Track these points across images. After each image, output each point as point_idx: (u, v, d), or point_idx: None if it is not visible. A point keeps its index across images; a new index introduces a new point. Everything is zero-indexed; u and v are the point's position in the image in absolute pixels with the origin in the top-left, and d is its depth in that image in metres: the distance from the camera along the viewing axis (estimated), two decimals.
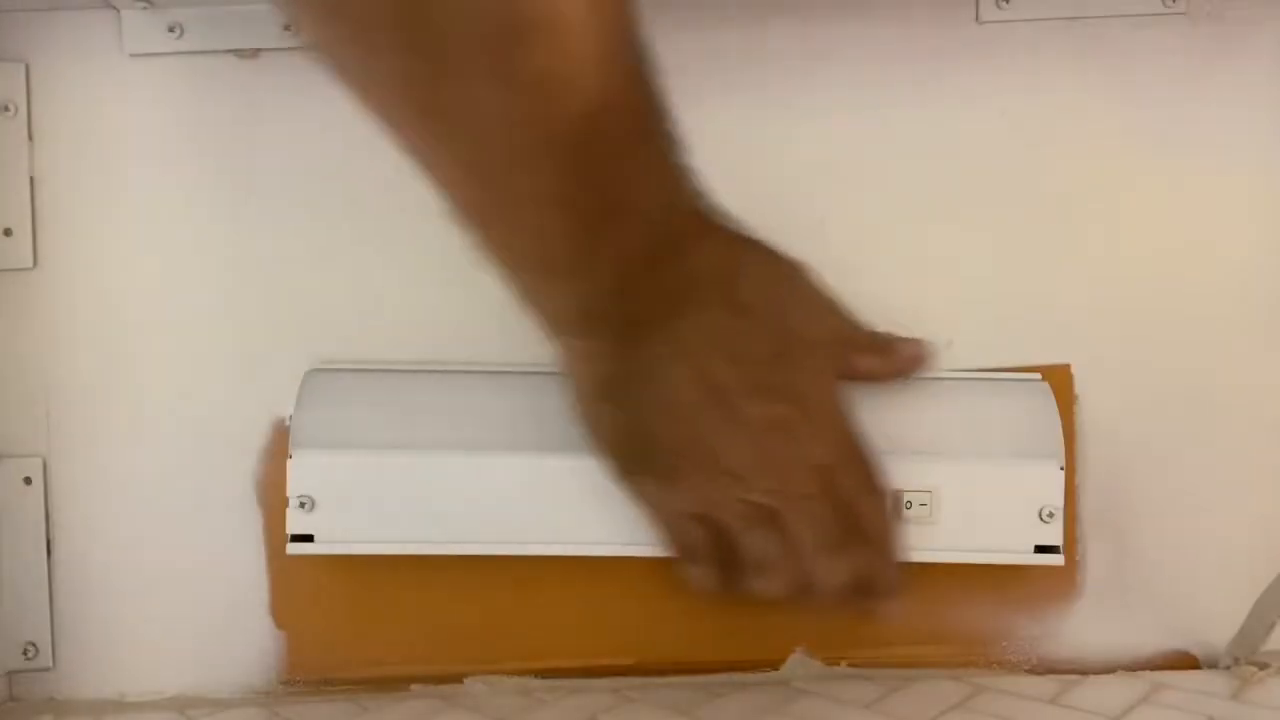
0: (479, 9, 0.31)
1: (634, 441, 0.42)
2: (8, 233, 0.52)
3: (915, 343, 0.45)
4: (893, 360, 0.45)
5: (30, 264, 0.52)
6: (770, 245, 0.42)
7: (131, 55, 0.52)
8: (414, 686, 0.51)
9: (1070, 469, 0.49)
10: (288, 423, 0.49)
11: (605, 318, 0.40)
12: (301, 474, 0.47)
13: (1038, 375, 0.50)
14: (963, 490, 0.46)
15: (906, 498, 0.46)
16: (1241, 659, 0.50)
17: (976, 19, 0.52)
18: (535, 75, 0.33)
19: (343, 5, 0.32)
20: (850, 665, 0.52)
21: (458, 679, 0.51)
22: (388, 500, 0.47)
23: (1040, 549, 0.47)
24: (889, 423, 0.47)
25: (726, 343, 0.41)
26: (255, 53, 0.52)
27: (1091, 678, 0.50)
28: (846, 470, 0.42)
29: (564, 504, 0.47)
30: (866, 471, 0.43)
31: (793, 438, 0.41)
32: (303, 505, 0.47)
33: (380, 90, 0.35)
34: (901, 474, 0.45)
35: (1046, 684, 0.49)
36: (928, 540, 0.46)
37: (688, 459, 0.41)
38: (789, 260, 0.43)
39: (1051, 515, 0.47)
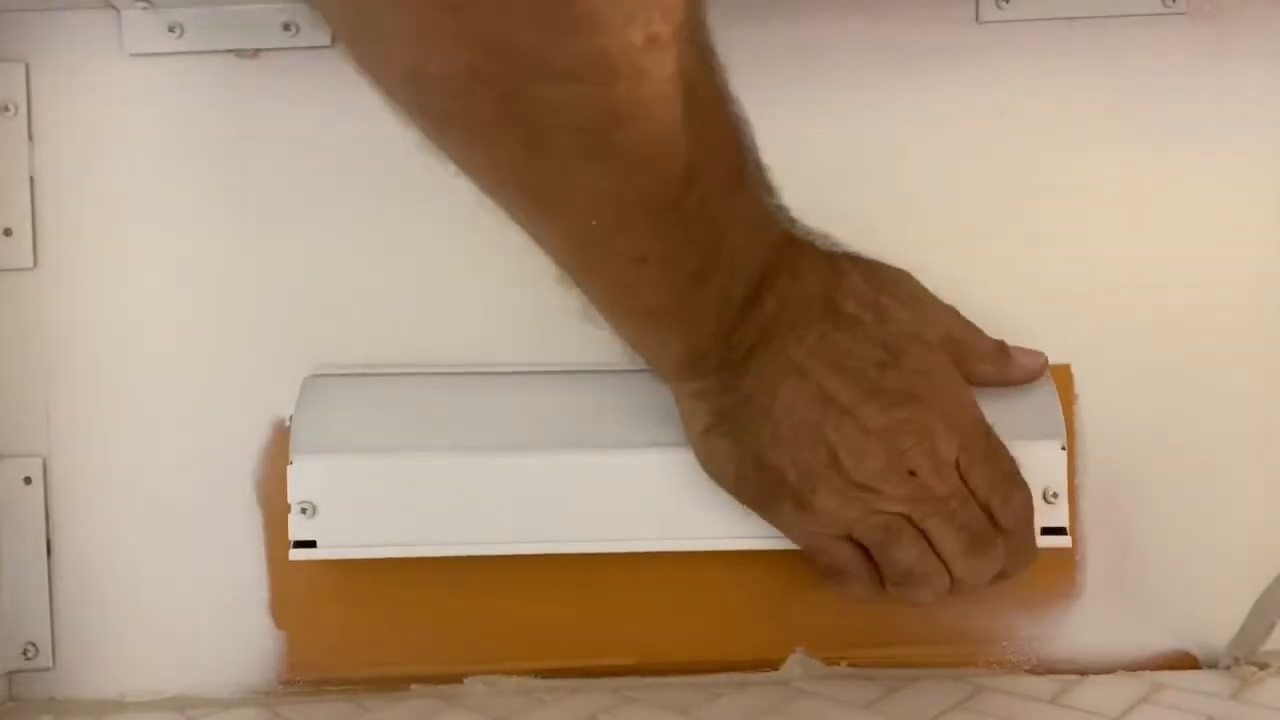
0: (576, 102, 0.32)
1: (759, 474, 0.43)
2: (8, 233, 0.52)
3: (1035, 354, 0.46)
4: (1011, 371, 0.46)
5: (30, 264, 0.52)
6: (868, 256, 0.43)
7: (131, 55, 0.52)
8: (414, 686, 0.51)
9: (1070, 468, 0.49)
10: (288, 423, 0.49)
11: (710, 360, 0.41)
12: (302, 480, 0.47)
13: None
14: None
15: None
16: (1241, 659, 0.50)
17: (976, 19, 0.52)
18: (630, 153, 0.34)
19: (451, 114, 0.33)
20: (850, 665, 0.52)
21: (458, 679, 0.51)
22: (390, 503, 0.47)
23: (1046, 531, 0.46)
24: None
25: (834, 356, 0.41)
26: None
27: (1091, 678, 0.50)
28: (978, 466, 0.42)
29: (564, 503, 0.47)
30: (998, 464, 0.43)
31: (918, 440, 0.41)
32: (304, 511, 0.47)
33: (488, 174, 0.37)
34: None
35: (1046, 684, 0.49)
36: None
37: (816, 480, 0.42)
38: (890, 268, 0.44)
39: (1055, 496, 0.46)
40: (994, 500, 0.43)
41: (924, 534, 0.42)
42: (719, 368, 0.42)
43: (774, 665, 0.52)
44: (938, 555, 0.42)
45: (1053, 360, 0.50)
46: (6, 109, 0.52)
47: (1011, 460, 0.43)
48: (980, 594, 0.49)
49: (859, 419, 0.41)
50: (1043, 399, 0.47)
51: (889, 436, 0.41)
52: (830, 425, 0.41)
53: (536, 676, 0.51)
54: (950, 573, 0.43)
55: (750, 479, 0.43)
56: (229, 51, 0.52)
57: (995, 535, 0.43)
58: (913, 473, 0.41)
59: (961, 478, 0.42)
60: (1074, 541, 0.51)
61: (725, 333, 0.41)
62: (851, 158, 0.52)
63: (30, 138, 0.52)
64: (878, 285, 0.43)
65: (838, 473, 0.41)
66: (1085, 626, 0.51)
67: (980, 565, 0.43)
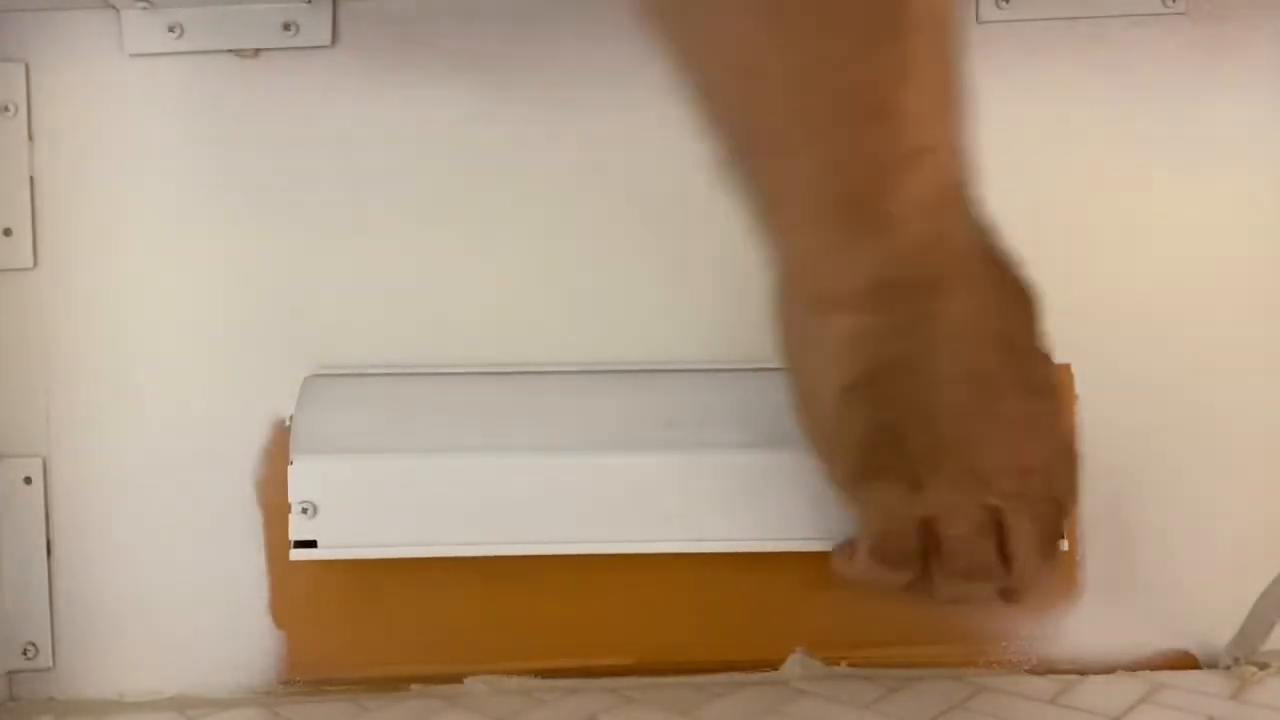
0: None
1: (887, 442, 0.39)
2: (8, 233, 0.52)
3: None
4: None
5: (30, 264, 0.52)
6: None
7: (131, 55, 0.52)
8: (414, 686, 0.51)
9: None
10: (288, 423, 0.49)
11: (896, 285, 0.37)
12: (303, 480, 0.47)
13: None
14: None
15: None
16: (1241, 659, 0.50)
17: (976, 19, 0.52)
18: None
19: None
20: (850, 665, 0.52)
21: (458, 679, 0.51)
22: (390, 503, 0.47)
23: None
24: None
25: (999, 328, 0.39)
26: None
27: (1091, 678, 0.50)
28: (1064, 473, 0.42)
29: (564, 504, 0.47)
30: (1074, 475, 0.43)
31: (1045, 437, 0.40)
32: (305, 511, 0.47)
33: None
34: None
35: (1046, 684, 0.49)
36: None
37: (942, 462, 0.39)
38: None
39: None
40: (1067, 504, 0.43)
41: (1005, 529, 0.41)
42: (898, 306, 0.37)
43: (774, 665, 0.52)
44: (1009, 554, 0.41)
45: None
46: (6, 109, 0.52)
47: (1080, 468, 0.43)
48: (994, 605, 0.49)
49: (1001, 405, 0.39)
50: None
51: (1023, 431, 0.40)
52: (976, 408, 0.39)
53: (536, 676, 0.51)
54: (1011, 573, 0.42)
55: (874, 448, 0.40)
56: (229, 51, 0.52)
57: (1058, 540, 0.43)
58: (1028, 471, 0.40)
59: (1049, 479, 0.41)
60: (1074, 542, 0.51)
61: (930, 243, 0.37)
62: None
63: (30, 138, 0.52)
64: (1015, 265, 0.40)
65: (966, 458, 0.39)
66: (1085, 626, 0.51)
67: (1044, 568, 0.42)
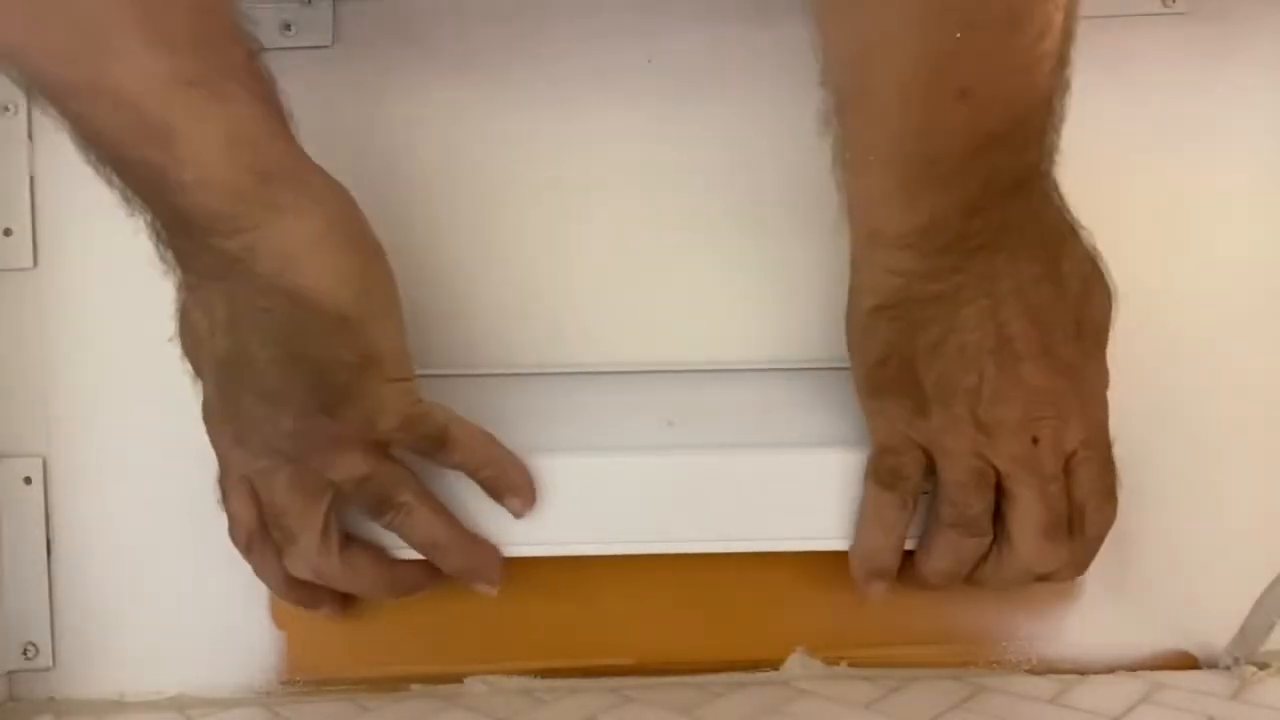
0: None
1: (902, 370, 0.43)
2: (8, 233, 0.52)
3: None
4: None
5: (30, 264, 0.52)
6: (1090, 243, 0.43)
7: None
8: (414, 686, 0.51)
9: None
10: None
11: (944, 235, 0.40)
12: None
13: None
14: None
15: None
16: (1241, 659, 0.50)
17: None
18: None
19: None
20: (850, 665, 0.51)
21: (458, 679, 0.51)
22: None
23: None
24: None
25: (1033, 301, 0.41)
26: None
27: (1091, 678, 0.50)
28: (1090, 466, 0.43)
29: (564, 503, 0.47)
30: (1105, 475, 0.44)
31: (1057, 413, 0.42)
32: None
33: None
34: None
35: (1046, 684, 0.49)
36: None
37: (949, 398, 0.42)
38: (1101, 261, 0.44)
39: None
40: (1089, 504, 0.44)
41: (1009, 499, 0.43)
42: (944, 250, 0.41)
43: (774, 665, 0.52)
44: (1008, 529, 0.43)
45: None
46: (6, 109, 0.52)
47: (1115, 480, 0.44)
48: (983, 594, 0.49)
49: (1020, 369, 0.42)
50: None
51: (1037, 398, 0.42)
52: (993, 360, 0.41)
53: (536, 676, 0.51)
54: (1011, 548, 0.43)
55: (890, 368, 0.43)
56: None
57: (1069, 535, 0.44)
58: (1035, 440, 0.42)
59: (1072, 470, 0.43)
60: None
61: (978, 209, 0.40)
62: None
63: (30, 138, 0.52)
64: (1093, 268, 0.43)
65: (972, 403, 0.42)
66: (1085, 626, 0.51)
67: (1045, 552, 0.43)
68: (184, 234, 0.41)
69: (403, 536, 0.45)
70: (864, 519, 0.46)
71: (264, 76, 0.42)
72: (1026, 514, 0.43)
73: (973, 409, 0.42)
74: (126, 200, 0.41)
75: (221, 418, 0.44)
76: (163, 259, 0.43)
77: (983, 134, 0.38)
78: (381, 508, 0.44)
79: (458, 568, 0.46)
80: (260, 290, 0.41)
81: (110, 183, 0.41)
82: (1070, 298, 0.43)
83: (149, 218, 0.42)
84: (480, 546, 0.46)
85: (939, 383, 0.42)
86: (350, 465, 0.43)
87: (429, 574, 0.47)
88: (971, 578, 0.46)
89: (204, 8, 0.39)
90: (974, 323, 0.41)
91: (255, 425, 0.43)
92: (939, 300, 0.41)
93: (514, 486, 0.46)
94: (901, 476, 0.44)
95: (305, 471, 0.43)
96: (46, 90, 0.39)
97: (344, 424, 0.43)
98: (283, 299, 0.41)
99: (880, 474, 0.45)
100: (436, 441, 0.44)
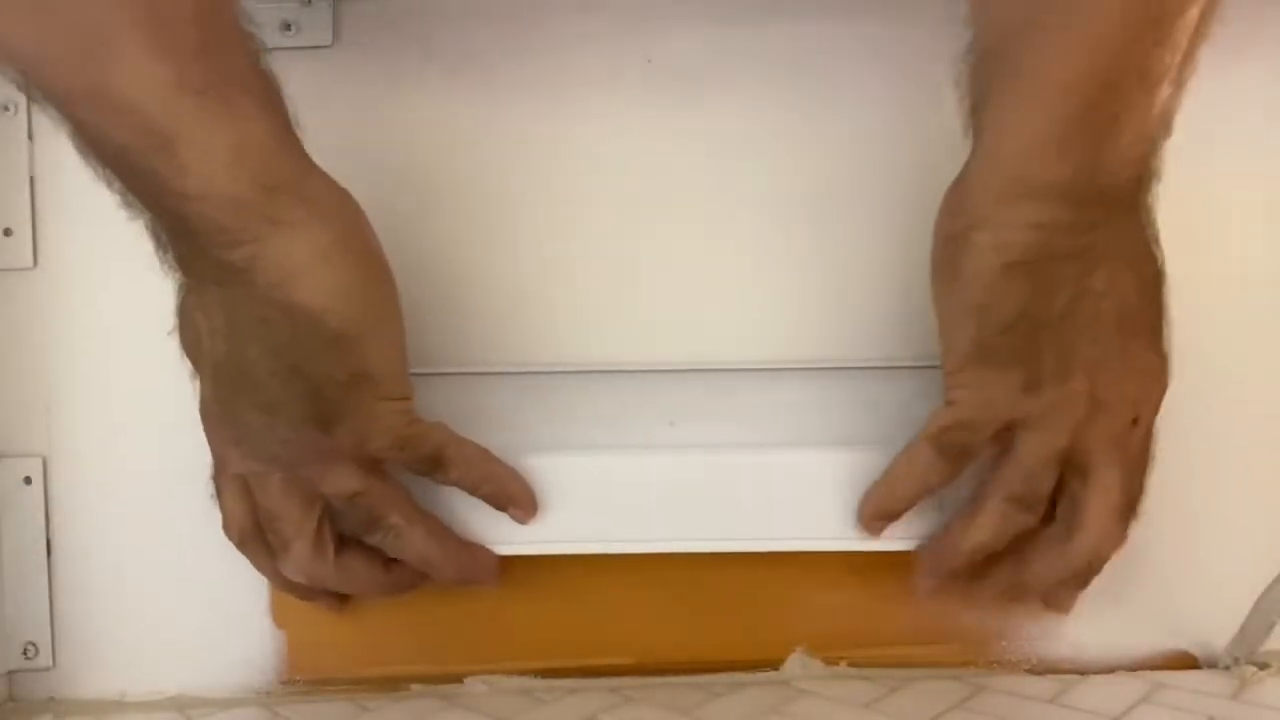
0: None
1: (1030, 330, 0.41)
2: (8, 233, 0.52)
3: None
4: None
5: (30, 264, 0.52)
6: None
7: None
8: (414, 686, 0.51)
9: None
10: None
11: (1089, 188, 0.40)
12: None
13: None
14: (964, 478, 0.45)
15: None
16: (1241, 659, 0.50)
17: None
18: None
19: None
20: (850, 665, 0.51)
21: (458, 679, 0.51)
22: None
23: None
24: (892, 411, 0.47)
25: (1144, 274, 0.42)
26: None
27: (1091, 678, 0.50)
28: (1141, 460, 0.44)
29: (564, 503, 0.47)
30: (1145, 469, 0.44)
31: (1156, 400, 0.43)
32: None
33: None
34: None
35: (1046, 684, 0.49)
36: (932, 529, 0.46)
37: (1067, 369, 0.41)
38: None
39: None
40: (1135, 499, 0.44)
41: (1087, 477, 0.42)
42: (1084, 203, 0.40)
43: (774, 665, 0.52)
44: (1082, 508, 0.43)
45: None
46: (6, 109, 0.52)
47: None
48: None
49: (1132, 345, 0.42)
50: None
51: (1145, 378, 0.42)
52: (1116, 332, 0.41)
53: (536, 676, 0.51)
54: (1082, 529, 0.43)
55: (1017, 334, 0.41)
56: None
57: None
58: (1135, 421, 0.42)
59: (1134, 448, 0.43)
60: None
61: (1120, 165, 0.40)
62: (853, 157, 0.52)
63: (30, 137, 0.52)
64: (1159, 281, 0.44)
65: (1091, 377, 0.41)
66: (1085, 626, 0.51)
67: (1115, 535, 0.43)
68: (185, 240, 0.41)
69: (393, 554, 0.46)
70: (902, 464, 0.44)
71: (270, 83, 0.41)
72: (1108, 494, 0.42)
73: (1091, 384, 0.41)
74: (127, 204, 0.41)
75: (218, 419, 0.44)
76: (163, 262, 0.43)
77: (1155, 77, 0.38)
78: (370, 527, 0.44)
79: (452, 580, 0.46)
80: (259, 301, 0.41)
81: (111, 186, 0.41)
82: (1162, 280, 0.43)
83: (149, 221, 0.42)
84: (473, 555, 0.46)
85: (1060, 354, 0.41)
86: (341, 480, 0.43)
87: (423, 574, 0.47)
88: (1020, 572, 0.45)
89: (209, 14, 0.39)
90: (1104, 286, 0.41)
91: (251, 430, 0.43)
92: (1074, 258, 0.40)
93: (514, 499, 0.46)
94: (966, 453, 0.43)
95: (298, 479, 0.43)
96: (50, 95, 0.39)
97: (336, 439, 0.42)
98: (280, 312, 0.40)
99: (944, 444, 0.43)
100: (432, 462, 0.44)
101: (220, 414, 0.44)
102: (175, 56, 0.37)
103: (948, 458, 0.43)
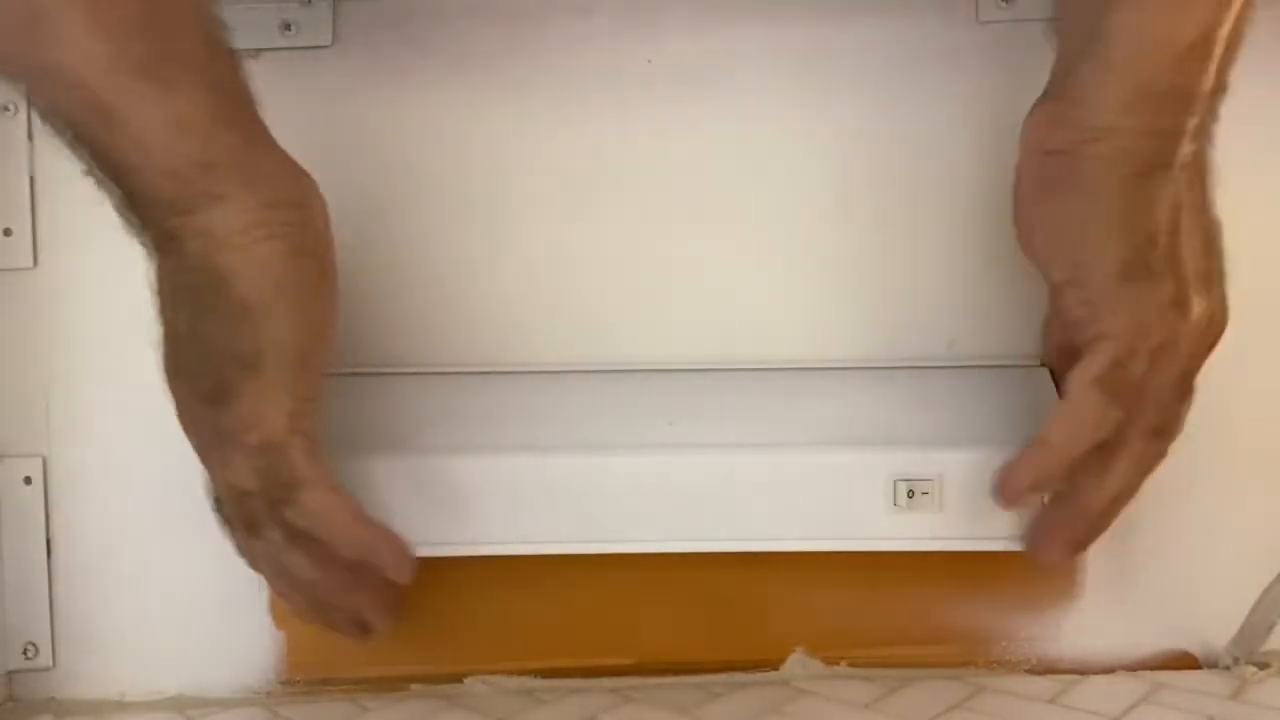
0: None
1: (1171, 238, 0.41)
2: (8, 233, 0.52)
3: None
4: None
5: (30, 264, 0.52)
6: None
7: None
8: (414, 686, 0.51)
9: None
10: None
11: (1197, 100, 0.41)
12: None
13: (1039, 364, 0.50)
14: (967, 478, 0.46)
15: (909, 487, 0.46)
16: (1241, 659, 0.50)
17: (977, 18, 0.52)
18: None
19: None
20: (850, 665, 0.51)
21: (458, 679, 0.51)
22: (389, 503, 0.47)
23: None
24: (892, 411, 0.47)
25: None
26: (255, 53, 0.52)
27: (1091, 678, 0.50)
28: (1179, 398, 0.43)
29: (563, 504, 0.47)
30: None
31: (1221, 330, 0.42)
32: None
33: None
34: (906, 463, 0.45)
35: (1046, 684, 0.49)
36: (934, 529, 0.46)
37: (1210, 276, 0.42)
38: None
39: None
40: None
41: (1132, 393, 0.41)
42: (1191, 110, 0.40)
43: (774, 665, 0.52)
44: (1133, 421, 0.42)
45: None
46: (6, 109, 0.52)
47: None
48: (982, 593, 0.49)
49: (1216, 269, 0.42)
50: (1042, 398, 0.47)
51: (1220, 314, 0.42)
52: (1211, 254, 0.42)
53: (536, 676, 0.51)
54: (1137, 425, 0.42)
55: (1159, 246, 0.40)
56: None
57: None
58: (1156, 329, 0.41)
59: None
60: None
61: (1215, 89, 0.41)
62: (852, 157, 0.52)
63: (30, 138, 0.52)
64: None
65: (1222, 288, 0.42)
66: (1085, 626, 0.51)
67: (1158, 447, 0.43)
68: (134, 211, 0.41)
69: (301, 525, 0.43)
70: (1066, 421, 0.42)
71: (221, 61, 0.41)
72: (1171, 410, 0.43)
73: (1223, 295, 0.42)
74: (90, 174, 0.41)
75: (170, 391, 0.43)
76: (128, 230, 0.43)
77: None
78: (252, 534, 0.43)
79: (352, 553, 0.43)
80: (189, 269, 0.40)
81: (75, 155, 0.41)
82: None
83: (109, 191, 0.42)
84: (386, 537, 0.44)
85: (1203, 260, 0.41)
86: (234, 474, 0.42)
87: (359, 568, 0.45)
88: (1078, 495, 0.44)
89: None
90: (1210, 198, 0.42)
91: (182, 403, 0.43)
92: (1191, 165, 0.40)
93: (385, 567, 0.44)
94: (1137, 391, 0.41)
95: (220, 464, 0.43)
96: (3, 67, 0.40)
97: (228, 421, 0.41)
98: (203, 278, 0.40)
99: (1114, 384, 0.41)
100: (283, 490, 0.41)
101: (166, 387, 0.43)
102: (115, 33, 0.38)
103: (1123, 401, 0.41)
